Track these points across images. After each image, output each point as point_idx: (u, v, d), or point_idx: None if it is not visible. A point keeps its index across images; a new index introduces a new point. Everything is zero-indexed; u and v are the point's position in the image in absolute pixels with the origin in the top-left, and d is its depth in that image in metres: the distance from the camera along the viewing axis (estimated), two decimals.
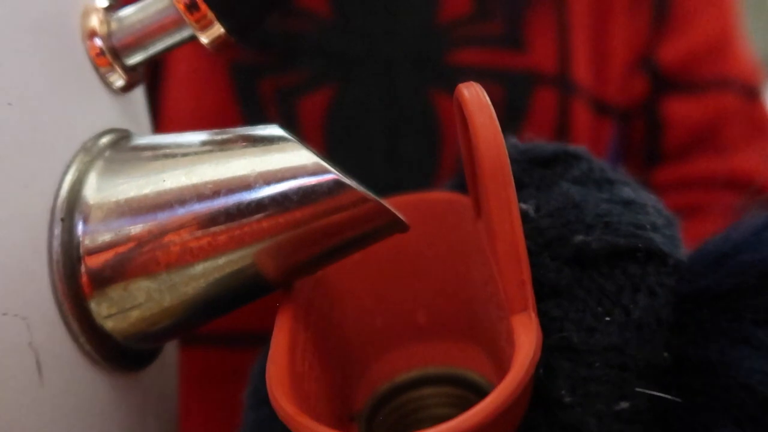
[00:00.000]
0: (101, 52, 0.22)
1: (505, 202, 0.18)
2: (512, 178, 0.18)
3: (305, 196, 0.19)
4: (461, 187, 0.24)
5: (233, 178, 0.20)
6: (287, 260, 0.20)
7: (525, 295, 0.18)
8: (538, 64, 0.43)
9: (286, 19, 0.41)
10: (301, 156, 0.19)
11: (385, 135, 0.41)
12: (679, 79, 0.47)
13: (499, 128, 0.18)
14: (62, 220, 0.19)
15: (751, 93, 0.47)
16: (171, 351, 0.25)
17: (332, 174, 0.19)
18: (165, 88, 0.42)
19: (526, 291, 0.18)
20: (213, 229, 0.19)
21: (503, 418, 0.16)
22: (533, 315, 0.18)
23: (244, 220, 0.19)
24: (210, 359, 0.42)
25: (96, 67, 0.22)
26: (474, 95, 0.18)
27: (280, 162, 0.19)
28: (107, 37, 0.22)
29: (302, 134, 0.41)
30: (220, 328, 0.41)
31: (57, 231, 0.19)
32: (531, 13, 0.43)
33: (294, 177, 0.19)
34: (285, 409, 0.17)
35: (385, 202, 0.19)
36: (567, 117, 0.44)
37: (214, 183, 0.20)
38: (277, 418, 0.22)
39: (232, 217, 0.19)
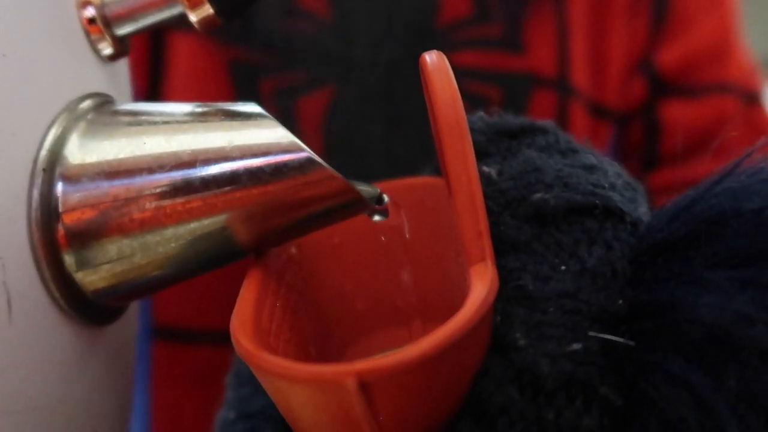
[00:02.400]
0: (93, 20, 0.23)
1: (461, 155, 0.18)
2: (469, 133, 0.18)
3: (278, 170, 0.20)
4: (439, 172, 0.24)
5: (211, 149, 0.21)
6: (257, 229, 0.21)
7: (482, 245, 0.18)
8: (537, 67, 0.44)
9: (286, 20, 0.42)
10: (276, 133, 0.20)
11: (383, 135, 0.42)
12: (677, 83, 0.47)
13: (457, 89, 0.18)
14: (44, 170, 0.20)
15: (750, 98, 0.48)
16: (132, 315, 0.26)
17: (305, 152, 0.20)
18: (166, 86, 0.42)
19: (483, 242, 0.18)
20: (188, 194, 0.20)
21: (452, 357, 0.16)
22: (490, 264, 0.18)
23: (218, 189, 0.20)
24: (204, 358, 0.42)
25: (87, 34, 0.23)
26: (434, 60, 0.19)
27: (256, 137, 0.21)
28: (100, 6, 0.23)
29: (301, 134, 0.41)
30: (214, 327, 0.42)
31: (38, 180, 0.20)
32: (530, 16, 0.44)
33: (269, 152, 0.20)
34: (244, 345, 0.17)
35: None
36: (565, 119, 0.44)
37: (193, 151, 0.21)
38: (256, 394, 0.23)
39: (207, 184, 0.20)
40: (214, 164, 0.20)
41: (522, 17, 0.44)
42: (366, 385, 0.15)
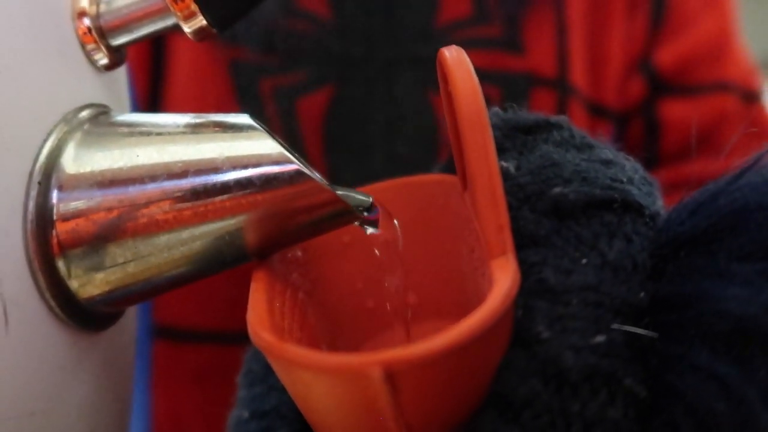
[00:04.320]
0: (88, 31, 0.24)
1: (482, 147, 0.18)
2: (489, 125, 0.18)
3: (267, 182, 0.21)
4: (451, 170, 0.24)
5: (202, 160, 0.21)
6: (248, 238, 0.21)
7: (503, 239, 0.18)
8: (536, 67, 0.44)
9: (286, 20, 0.42)
10: (266, 145, 0.21)
11: (383, 135, 0.42)
12: (676, 82, 0.47)
13: (477, 83, 0.18)
14: (39, 183, 0.20)
15: (749, 96, 0.48)
16: (129, 319, 0.27)
17: (294, 164, 0.20)
18: (167, 86, 0.42)
19: (504, 235, 0.18)
20: (179, 204, 0.21)
21: (477, 349, 0.16)
22: (511, 257, 0.18)
23: (209, 199, 0.21)
24: (205, 357, 0.43)
25: (82, 45, 0.24)
26: (453, 54, 0.19)
27: (247, 149, 0.21)
28: (95, 17, 0.24)
29: (301, 133, 0.42)
30: (215, 326, 0.42)
31: (33, 193, 0.20)
32: (529, 16, 0.44)
33: (259, 164, 0.21)
34: (266, 339, 0.17)
35: (341, 193, 0.21)
36: None
37: (184, 162, 0.21)
38: (269, 392, 0.23)
39: (198, 195, 0.21)
40: (205, 176, 0.21)
41: (521, 17, 0.44)
42: (392, 375, 0.15)
